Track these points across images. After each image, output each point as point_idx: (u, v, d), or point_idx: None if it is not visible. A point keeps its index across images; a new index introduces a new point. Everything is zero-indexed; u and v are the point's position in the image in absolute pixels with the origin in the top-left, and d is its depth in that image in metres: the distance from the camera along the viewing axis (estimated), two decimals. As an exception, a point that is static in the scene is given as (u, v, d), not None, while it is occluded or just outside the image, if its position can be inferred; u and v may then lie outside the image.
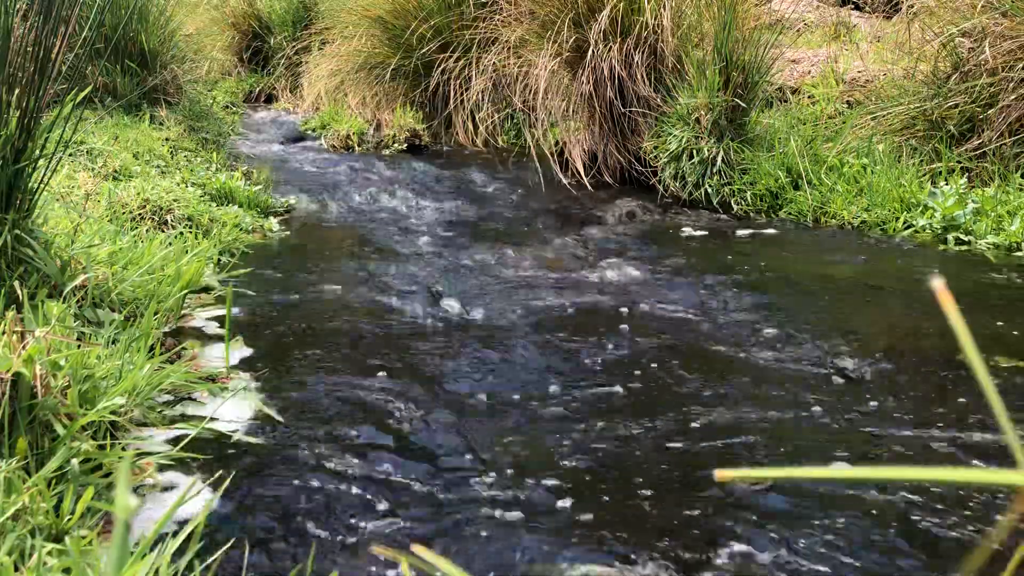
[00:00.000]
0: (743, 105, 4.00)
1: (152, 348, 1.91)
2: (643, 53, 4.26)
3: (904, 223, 3.44)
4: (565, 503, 1.46)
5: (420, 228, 3.67)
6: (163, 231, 2.87)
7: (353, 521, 1.40)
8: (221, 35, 8.58)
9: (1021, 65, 3.55)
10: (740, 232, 3.59)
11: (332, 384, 1.94)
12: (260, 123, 6.72)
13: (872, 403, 1.87)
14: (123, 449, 1.47)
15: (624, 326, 2.38)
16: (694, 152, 4.03)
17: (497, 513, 1.42)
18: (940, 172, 3.71)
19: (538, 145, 4.60)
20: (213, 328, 2.21)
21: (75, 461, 1.31)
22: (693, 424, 1.78)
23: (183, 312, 2.26)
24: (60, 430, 1.36)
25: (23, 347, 1.37)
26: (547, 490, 1.50)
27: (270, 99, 8.38)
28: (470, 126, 5.54)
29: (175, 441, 1.57)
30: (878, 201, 3.56)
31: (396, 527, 1.39)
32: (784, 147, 3.95)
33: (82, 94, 1.89)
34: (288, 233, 3.51)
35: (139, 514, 1.34)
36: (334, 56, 6.33)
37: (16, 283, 1.70)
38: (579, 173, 4.41)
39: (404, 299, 2.61)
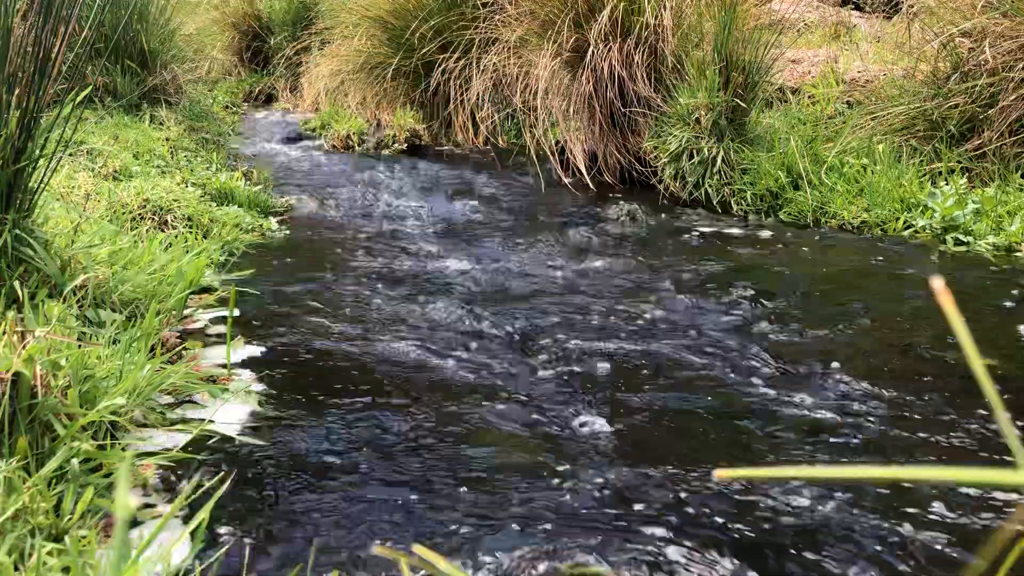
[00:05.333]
0: (743, 105, 4.00)
1: (153, 348, 1.91)
2: (643, 53, 4.26)
3: (904, 223, 3.44)
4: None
5: (420, 227, 3.67)
6: (163, 231, 2.87)
7: (354, 520, 1.40)
8: (221, 35, 8.58)
9: (1021, 65, 3.55)
10: (740, 232, 3.59)
11: (332, 384, 1.94)
12: (260, 123, 6.72)
13: (871, 402, 1.87)
14: (123, 449, 1.48)
15: (624, 324, 2.38)
16: (694, 152, 4.03)
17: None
18: (940, 172, 3.71)
19: (538, 145, 4.60)
20: (214, 328, 2.21)
21: (75, 461, 1.31)
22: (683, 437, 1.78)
23: (185, 313, 2.26)
24: (60, 430, 1.36)
25: (23, 347, 1.37)
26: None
27: (270, 99, 8.38)
28: (470, 126, 5.54)
29: (176, 442, 1.57)
30: (878, 201, 3.56)
31: (398, 529, 1.39)
32: (784, 147, 3.95)
33: (82, 94, 1.89)
34: (288, 233, 3.51)
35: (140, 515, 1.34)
36: (334, 56, 6.34)
37: (16, 283, 1.70)
38: (579, 173, 4.41)
39: (403, 298, 2.61)
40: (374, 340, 2.23)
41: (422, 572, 1.25)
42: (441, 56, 5.56)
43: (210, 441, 1.61)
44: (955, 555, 1.33)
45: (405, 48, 5.69)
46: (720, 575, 1.26)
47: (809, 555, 1.32)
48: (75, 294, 1.88)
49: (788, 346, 2.21)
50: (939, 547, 1.34)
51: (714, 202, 3.96)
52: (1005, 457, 1.65)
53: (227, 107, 7.01)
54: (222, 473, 1.48)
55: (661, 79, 4.29)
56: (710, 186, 3.98)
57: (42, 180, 1.86)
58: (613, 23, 4.28)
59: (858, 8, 7.21)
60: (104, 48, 4.47)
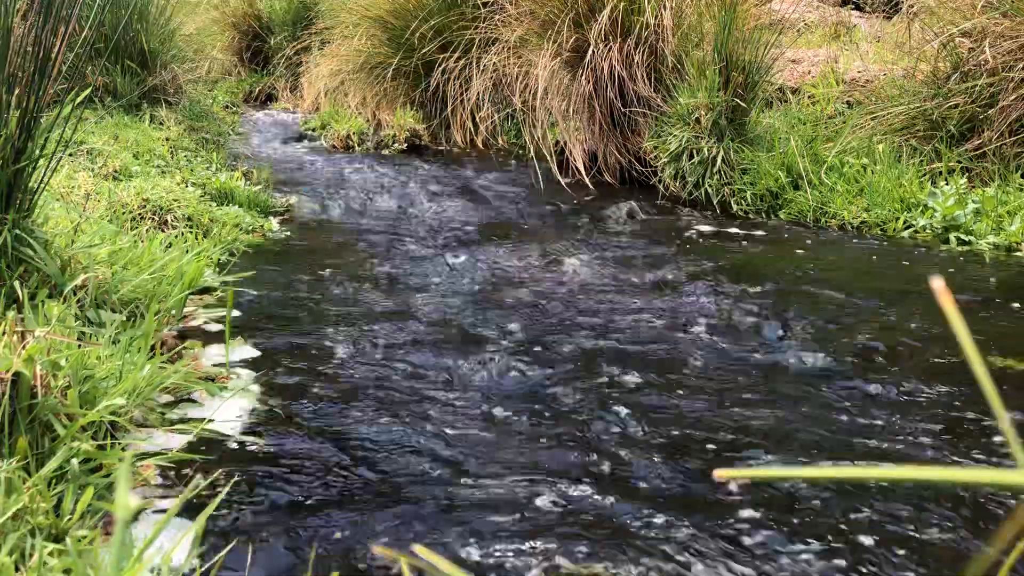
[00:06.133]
0: (743, 105, 4.00)
1: (152, 348, 1.91)
2: (643, 53, 4.26)
3: (904, 223, 3.44)
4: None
5: (419, 228, 3.67)
6: (163, 231, 2.87)
7: (353, 520, 1.40)
8: (221, 35, 8.58)
9: (1021, 65, 3.55)
10: (740, 232, 3.59)
11: (332, 383, 1.94)
12: (260, 123, 6.72)
13: (870, 403, 1.87)
14: (123, 449, 1.47)
15: (619, 324, 2.38)
16: (694, 152, 4.03)
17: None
18: (940, 172, 3.71)
19: (538, 145, 4.60)
20: (214, 328, 2.21)
21: (75, 461, 1.31)
22: (691, 433, 1.78)
23: (184, 313, 2.26)
24: (60, 430, 1.36)
25: (23, 347, 1.37)
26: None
27: (270, 99, 8.38)
28: (470, 126, 5.54)
29: (175, 441, 1.57)
30: (878, 201, 3.56)
31: (397, 528, 1.39)
32: (784, 147, 3.95)
33: (83, 95, 1.89)
34: (288, 233, 3.51)
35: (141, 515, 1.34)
36: (334, 56, 6.34)
37: (16, 283, 1.70)
38: (579, 173, 4.41)
39: (402, 297, 2.61)
40: (373, 339, 2.23)
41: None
42: (441, 56, 5.56)
43: (210, 441, 1.61)
44: (955, 555, 1.33)
45: (405, 48, 5.69)
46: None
47: (809, 554, 1.32)
48: (75, 294, 1.88)
49: (785, 343, 2.21)
50: (938, 547, 1.34)
51: (714, 202, 3.96)
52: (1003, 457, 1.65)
53: (227, 107, 7.01)
54: (222, 473, 1.48)
55: (661, 79, 4.29)
56: (710, 186, 3.98)
57: (42, 180, 1.86)
58: (613, 23, 4.28)
59: (858, 8, 7.21)
60: (104, 48, 4.47)
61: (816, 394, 1.92)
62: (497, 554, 1.30)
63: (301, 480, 1.51)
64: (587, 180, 4.38)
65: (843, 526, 1.39)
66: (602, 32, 4.27)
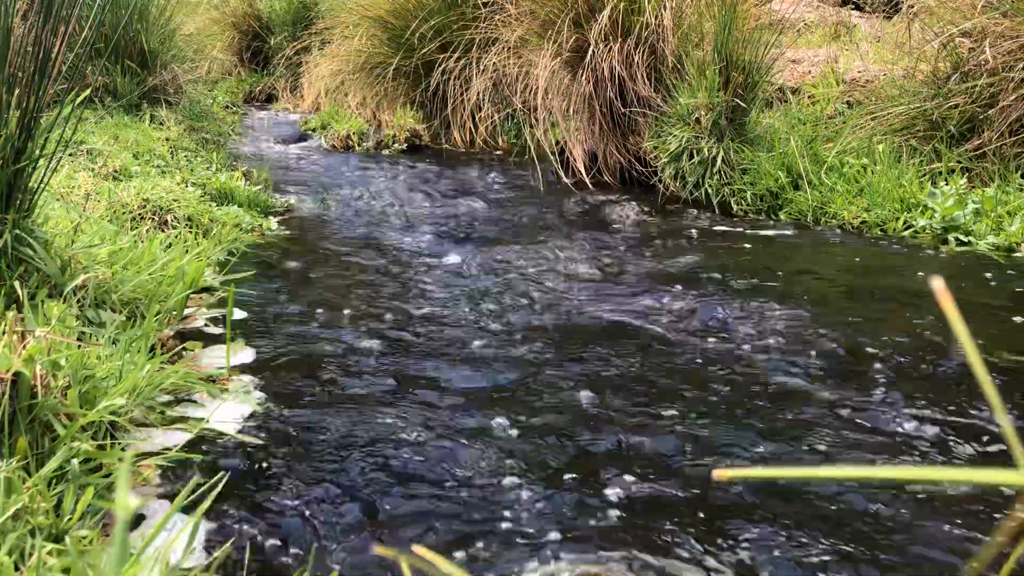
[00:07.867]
0: (743, 105, 4.00)
1: (153, 348, 1.91)
2: (643, 53, 4.26)
3: (904, 223, 3.44)
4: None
5: (419, 228, 3.67)
6: (163, 231, 2.87)
7: (353, 520, 1.40)
8: (221, 35, 8.59)
9: (1021, 65, 3.55)
10: (739, 231, 3.59)
11: (332, 384, 1.94)
12: (260, 123, 6.73)
13: (870, 403, 1.87)
14: (123, 449, 1.47)
15: (620, 319, 2.38)
16: (694, 152, 4.03)
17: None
18: (940, 172, 3.70)
19: (538, 145, 4.61)
20: (214, 329, 2.21)
21: (75, 461, 1.31)
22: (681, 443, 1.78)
23: (185, 313, 2.26)
24: (60, 430, 1.36)
25: (23, 347, 1.37)
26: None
27: (270, 99, 8.39)
28: (470, 126, 5.54)
29: (175, 441, 1.57)
30: (878, 201, 3.56)
31: (395, 531, 1.39)
32: (784, 147, 3.95)
33: (83, 95, 1.89)
34: (288, 233, 3.51)
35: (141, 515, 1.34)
36: (334, 56, 6.34)
37: (16, 283, 1.70)
38: (579, 173, 4.41)
39: (402, 296, 2.61)
40: (372, 339, 2.23)
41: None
42: (441, 56, 5.56)
43: (210, 441, 1.61)
44: (954, 556, 1.33)
45: (405, 48, 5.69)
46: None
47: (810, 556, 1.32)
48: (75, 294, 1.88)
49: (784, 344, 2.21)
50: (938, 547, 1.35)
51: (714, 202, 3.96)
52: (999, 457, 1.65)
53: (227, 107, 7.01)
54: (221, 473, 1.48)
55: (661, 79, 4.29)
56: (710, 186, 3.98)
57: (42, 180, 1.86)
58: (613, 23, 4.28)
59: (858, 8, 7.21)
60: (104, 48, 4.47)
61: (805, 394, 1.92)
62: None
63: (300, 480, 1.51)
64: (587, 180, 4.38)
65: (841, 522, 1.40)
66: (602, 32, 4.27)
